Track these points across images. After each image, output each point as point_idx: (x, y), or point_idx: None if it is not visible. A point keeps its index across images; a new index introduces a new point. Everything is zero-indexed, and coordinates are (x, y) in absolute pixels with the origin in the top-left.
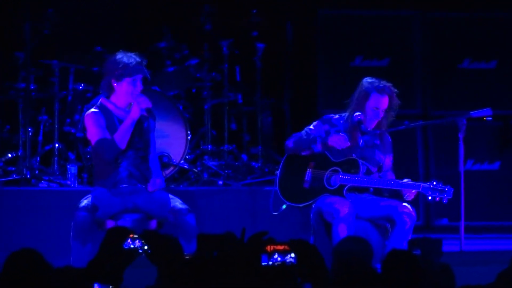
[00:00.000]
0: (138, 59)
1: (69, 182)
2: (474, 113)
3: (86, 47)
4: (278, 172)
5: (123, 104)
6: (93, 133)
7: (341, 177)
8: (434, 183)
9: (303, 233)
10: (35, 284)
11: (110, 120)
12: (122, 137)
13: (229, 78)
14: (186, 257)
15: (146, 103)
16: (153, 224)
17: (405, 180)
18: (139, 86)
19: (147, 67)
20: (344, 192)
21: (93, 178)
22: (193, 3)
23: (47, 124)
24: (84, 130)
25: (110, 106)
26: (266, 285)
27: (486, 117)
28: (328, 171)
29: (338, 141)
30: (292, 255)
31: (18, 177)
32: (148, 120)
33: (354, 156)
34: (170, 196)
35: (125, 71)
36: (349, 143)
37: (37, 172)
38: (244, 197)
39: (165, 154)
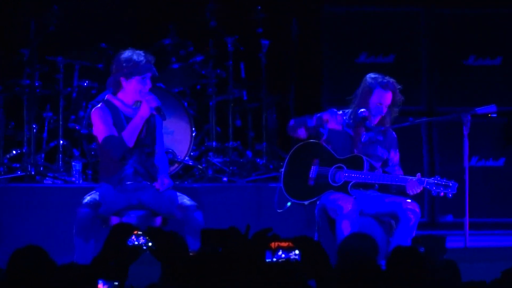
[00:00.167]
0: (148, 57)
1: (73, 179)
2: (479, 110)
3: (91, 44)
4: (282, 169)
5: (131, 102)
6: (100, 130)
7: (346, 174)
8: (438, 178)
9: (307, 230)
10: (40, 280)
11: (116, 116)
12: (130, 135)
13: (234, 75)
14: (191, 253)
15: (155, 101)
16: (158, 221)
17: (416, 175)
18: (148, 84)
19: None
20: (349, 188)
21: (98, 174)
22: (198, 0)
23: (51, 120)
24: (90, 126)
25: (116, 103)
26: (270, 281)
27: (491, 113)
28: (332, 168)
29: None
30: (296, 252)
31: (22, 173)
32: (154, 117)
33: (356, 152)
34: (178, 193)
35: (135, 69)
36: (340, 127)
37: (41, 169)
38: (248, 194)
39: (170, 150)
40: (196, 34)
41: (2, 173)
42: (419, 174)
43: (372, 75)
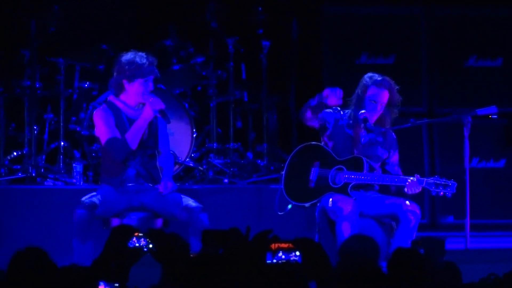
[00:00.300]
0: (150, 60)
1: (74, 180)
2: (479, 111)
3: (92, 45)
4: (283, 172)
5: (133, 103)
6: (102, 132)
7: (346, 175)
8: (438, 177)
9: (308, 232)
10: (40, 282)
11: (119, 118)
12: (133, 137)
13: (235, 76)
14: (191, 255)
15: (159, 104)
16: (159, 222)
17: (414, 176)
18: (151, 87)
19: None
20: (349, 190)
21: (99, 175)
22: (199, 1)
23: (52, 122)
24: (91, 127)
25: (119, 104)
26: (270, 283)
27: (492, 114)
28: (332, 170)
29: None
30: (297, 253)
31: (23, 175)
32: (157, 118)
33: (356, 153)
34: (182, 195)
35: (138, 72)
36: (341, 101)
37: (42, 170)
38: (249, 195)
39: (171, 152)
40: (197, 35)
41: (3, 174)
42: (417, 175)
43: (369, 74)
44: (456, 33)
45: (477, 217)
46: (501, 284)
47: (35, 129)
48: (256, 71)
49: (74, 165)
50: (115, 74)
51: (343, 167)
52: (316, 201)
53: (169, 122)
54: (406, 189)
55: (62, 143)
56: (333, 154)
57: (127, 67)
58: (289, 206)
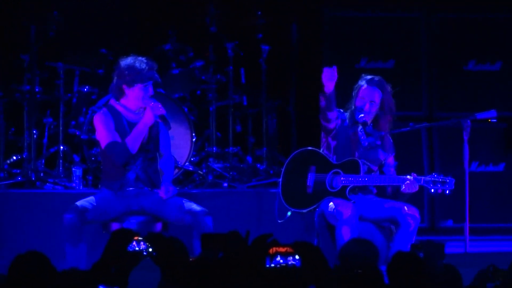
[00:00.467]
0: (150, 64)
1: (74, 185)
2: (479, 115)
3: (91, 49)
4: (280, 180)
5: (134, 108)
6: (102, 135)
7: (343, 179)
8: (435, 175)
9: (307, 236)
10: (40, 286)
11: (119, 121)
12: (134, 141)
13: (234, 80)
14: (191, 259)
15: (160, 110)
16: (158, 226)
17: (411, 175)
18: (151, 91)
19: None
20: (347, 193)
21: (100, 179)
22: (198, 5)
23: (52, 126)
24: (90, 131)
25: (119, 108)
26: (270, 287)
27: (491, 118)
28: (329, 174)
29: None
30: (297, 257)
31: (23, 179)
32: (158, 122)
33: (357, 155)
34: (183, 199)
35: (137, 77)
36: (335, 78)
37: (42, 175)
38: (249, 199)
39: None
40: (196, 39)
41: (3, 178)
42: (414, 174)
43: (364, 75)
44: (455, 37)
45: (477, 221)
46: (502, 275)
47: (34, 134)
48: (255, 75)
49: (73, 169)
50: (115, 78)
51: (339, 170)
52: (315, 206)
53: (169, 128)
54: (404, 189)
55: (62, 147)
56: (328, 158)
57: (126, 72)
58: (289, 213)
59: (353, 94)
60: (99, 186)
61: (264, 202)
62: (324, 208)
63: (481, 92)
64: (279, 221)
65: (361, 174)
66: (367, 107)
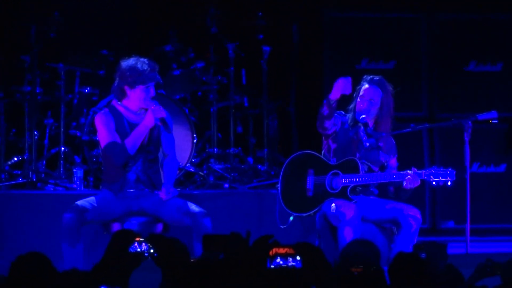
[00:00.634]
0: (151, 66)
1: (75, 186)
2: (480, 116)
3: (92, 50)
4: (279, 186)
5: (135, 108)
6: (103, 136)
7: (343, 179)
8: (435, 167)
9: (309, 237)
10: (41, 287)
11: (119, 122)
12: (133, 143)
13: (235, 81)
14: (192, 260)
15: (160, 113)
16: (159, 227)
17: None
18: (152, 93)
19: None
20: (348, 193)
21: (101, 179)
22: (199, 6)
23: (53, 127)
24: (91, 132)
25: (121, 109)
26: None
27: (492, 119)
28: (328, 175)
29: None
30: (298, 258)
31: (24, 180)
32: (159, 125)
33: (358, 156)
34: (184, 200)
35: (139, 79)
36: (350, 90)
37: (43, 176)
38: (250, 200)
39: None
40: (197, 40)
41: (4, 180)
42: (414, 168)
43: (365, 76)
44: (456, 38)
45: (478, 222)
46: (500, 269)
47: (35, 135)
48: (256, 76)
49: (74, 170)
50: (117, 79)
51: (338, 171)
52: (317, 209)
53: (169, 132)
54: (406, 185)
55: (63, 149)
56: (326, 160)
57: (128, 73)
58: (291, 218)
59: (354, 95)
60: (100, 187)
61: (265, 203)
62: (326, 209)
63: (482, 93)
64: (281, 226)
65: (361, 174)
66: (366, 105)
